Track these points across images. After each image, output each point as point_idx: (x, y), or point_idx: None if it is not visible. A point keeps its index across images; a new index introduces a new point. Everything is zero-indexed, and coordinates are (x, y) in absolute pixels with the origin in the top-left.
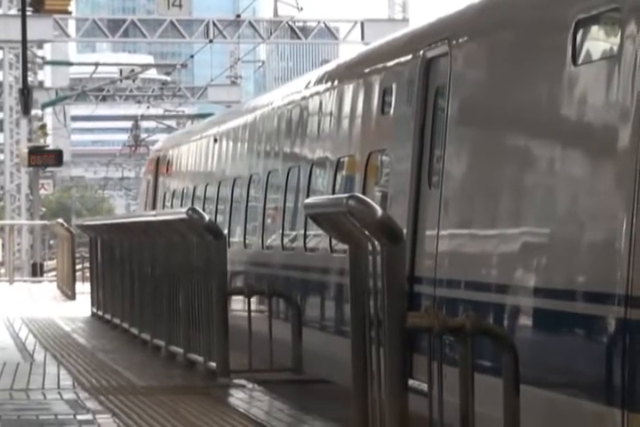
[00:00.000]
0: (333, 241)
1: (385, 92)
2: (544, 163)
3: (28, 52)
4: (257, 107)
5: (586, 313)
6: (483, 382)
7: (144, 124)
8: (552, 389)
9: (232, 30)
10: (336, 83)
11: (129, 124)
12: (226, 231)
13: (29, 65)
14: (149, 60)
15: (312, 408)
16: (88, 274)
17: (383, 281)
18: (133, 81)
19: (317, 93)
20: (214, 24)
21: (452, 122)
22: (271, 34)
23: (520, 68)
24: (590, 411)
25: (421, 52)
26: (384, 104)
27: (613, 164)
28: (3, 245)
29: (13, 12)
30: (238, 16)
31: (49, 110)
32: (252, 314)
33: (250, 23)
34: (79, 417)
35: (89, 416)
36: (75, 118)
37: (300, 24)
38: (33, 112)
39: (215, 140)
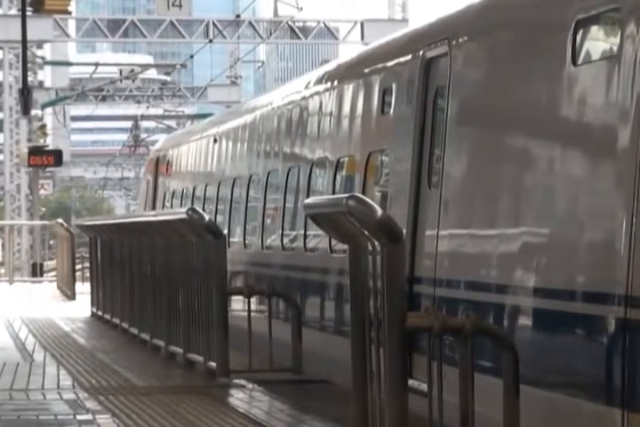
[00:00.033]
0: (333, 241)
1: (385, 93)
2: (544, 163)
3: (28, 52)
4: (257, 107)
5: (586, 313)
6: (483, 383)
7: (144, 124)
8: (552, 389)
9: (232, 30)
10: (336, 83)
11: (129, 124)
12: (226, 231)
13: (29, 65)
14: (149, 60)
15: (312, 408)
16: (88, 274)
17: (383, 281)
18: (133, 81)
19: (317, 93)
20: (214, 24)
21: (451, 122)
22: (271, 34)
23: (520, 68)
24: (590, 411)
25: (421, 53)
26: (384, 104)
27: (613, 164)
28: (3, 246)
29: (13, 12)
30: (238, 16)
31: (49, 110)
32: (252, 314)
33: (250, 23)
34: (79, 417)
35: (89, 416)
36: (74, 118)
37: (300, 24)
38: (33, 112)
39: (215, 141)
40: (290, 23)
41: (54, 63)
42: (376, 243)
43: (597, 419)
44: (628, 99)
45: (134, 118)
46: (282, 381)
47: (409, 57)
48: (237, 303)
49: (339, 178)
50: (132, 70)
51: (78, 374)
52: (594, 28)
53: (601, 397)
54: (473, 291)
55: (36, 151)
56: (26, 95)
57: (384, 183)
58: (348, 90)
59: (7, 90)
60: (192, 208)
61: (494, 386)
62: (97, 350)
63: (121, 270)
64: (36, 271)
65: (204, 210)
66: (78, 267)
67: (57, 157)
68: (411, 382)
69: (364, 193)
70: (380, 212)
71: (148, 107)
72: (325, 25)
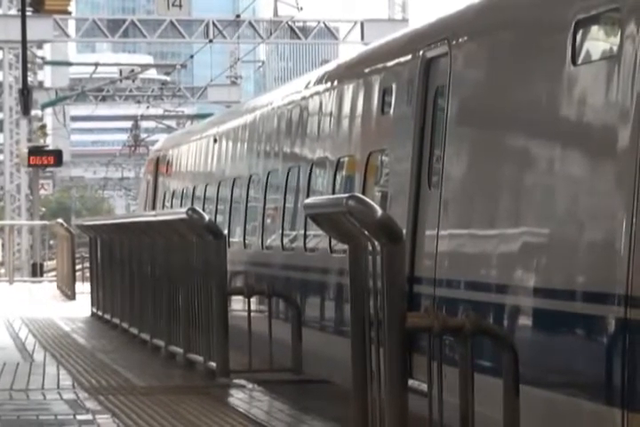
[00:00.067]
0: (333, 241)
1: (385, 92)
2: (544, 163)
3: (28, 53)
4: (257, 107)
5: (586, 313)
6: (483, 383)
7: (144, 124)
8: (552, 389)
9: (232, 30)
10: (336, 83)
11: (129, 124)
12: (226, 231)
13: (29, 65)
14: (149, 60)
15: (312, 408)
16: (88, 274)
17: (383, 281)
18: (133, 81)
19: (317, 93)
20: (214, 24)
21: (451, 122)
22: (271, 34)
23: (520, 68)
24: (590, 411)
25: (421, 53)
26: (384, 104)
27: (613, 164)
28: (3, 246)
29: (13, 12)
30: (238, 16)
31: (49, 110)
32: (252, 314)
33: (250, 23)
34: (79, 417)
35: (89, 416)
36: (74, 118)
37: (300, 24)
38: (33, 112)
39: (215, 141)
40: (290, 23)
41: (54, 63)
42: (376, 243)
43: (597, 419)
44: (627, 99)
45: (134, 118)
46: (282, 381)
47: (409, 57)
48: (237, 303)
49: (339, 178)
50: (132, 70)
51: (78, 374)
52: (594, 28)
53: (601, 397)
54: (473, 291)
55: (36, 151)
56: (26, 95)
57: (384, 183)
58: (348, 90)
59: (7, 90)
60: (192, 208)
61: (494, 386)
62: (97, 350)
63: (121, 270)
64: (36, 271)
65: (204, 210)
66: (78, 267)
67: (57, 157)
68: (411, 382)
69: (364, 193)
70: (380, 212)
71: (147, 107)
72: (325, 25)
